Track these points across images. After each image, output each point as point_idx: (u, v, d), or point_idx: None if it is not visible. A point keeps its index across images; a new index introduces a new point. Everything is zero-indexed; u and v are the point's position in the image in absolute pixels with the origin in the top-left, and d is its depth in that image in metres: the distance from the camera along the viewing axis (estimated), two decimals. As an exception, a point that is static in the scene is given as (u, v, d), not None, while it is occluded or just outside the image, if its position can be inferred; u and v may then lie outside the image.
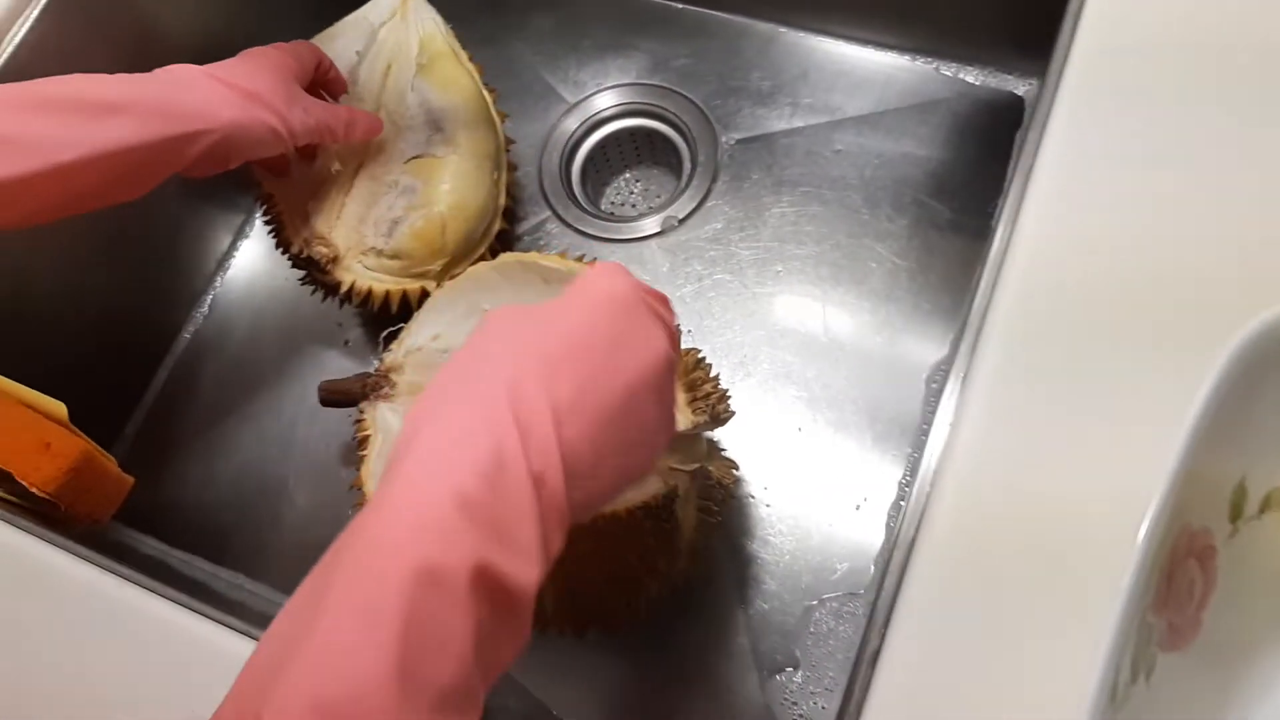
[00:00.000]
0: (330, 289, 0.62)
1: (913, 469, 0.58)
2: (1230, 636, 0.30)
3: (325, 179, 0.62)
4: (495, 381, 0.29)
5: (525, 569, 0.28)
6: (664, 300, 0.36)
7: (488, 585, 0.27)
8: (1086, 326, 0.37)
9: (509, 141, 0.67)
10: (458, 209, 0.61)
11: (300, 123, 0.53)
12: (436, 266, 0.61)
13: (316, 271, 0.61)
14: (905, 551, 0.35)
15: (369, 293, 0.61)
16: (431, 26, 0.65)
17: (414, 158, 0.62)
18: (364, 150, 0.62)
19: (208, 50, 0.66)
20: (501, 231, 0.65)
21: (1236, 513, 0.30)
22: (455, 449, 0.28)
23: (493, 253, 0.63)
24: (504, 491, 0.28)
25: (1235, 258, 0.36)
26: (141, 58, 0.62)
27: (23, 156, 0.42)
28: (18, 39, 0.55)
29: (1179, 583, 0.28)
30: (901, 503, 0.57)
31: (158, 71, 0.49)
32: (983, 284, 0.39)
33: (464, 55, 0.65)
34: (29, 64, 0.56)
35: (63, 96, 0.44)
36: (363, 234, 0.61)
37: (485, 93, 0.64)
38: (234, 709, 0.26)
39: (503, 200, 0.64)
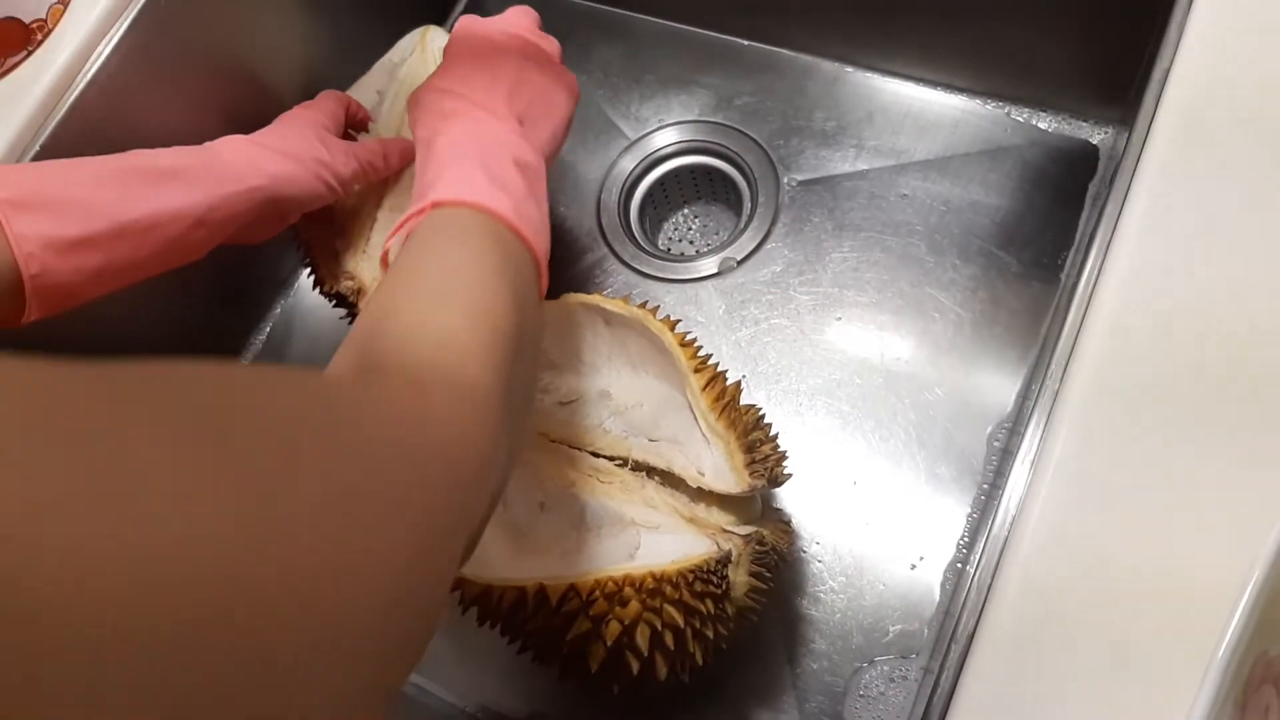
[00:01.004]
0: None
1: (973, 530, 0.56)
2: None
3: (351, 216, 0.63)
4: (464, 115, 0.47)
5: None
6: (497, 20, 0.54)
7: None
8: (1174, 395, 0.35)
9: None
10: None
11: (344, 165, 0.56)
12: None
13: (350, 307, 0.62)
14: (973, 621, 0.34)
15: None
16: None
17: None
18: (384, 183, 0.63)
19: (281, 89, 0.68)
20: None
21: (1325, 638, 0.28)
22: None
23: None
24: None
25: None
26: (213, 93, 0.64)
27: (90, 217, 0.45)
28: (88, 77, 0.57)
29: (1253, 711, 0.27)
30: (959, 565, 0.55)
31: (207, 144, 0.53)
32: (1061, 342, 0.38)
33: None
34: (102, 98, 0.57)
35: (126, 166, 0.48)
36: None
37: None
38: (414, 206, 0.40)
39: None
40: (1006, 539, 0.35)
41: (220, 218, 0.50)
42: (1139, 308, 0.37)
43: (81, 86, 0.56)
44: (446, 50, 0.53)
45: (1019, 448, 0.36)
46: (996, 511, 0.35)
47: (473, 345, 0.32)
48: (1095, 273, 0.38)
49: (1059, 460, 0.35)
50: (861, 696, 0.54)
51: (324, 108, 0.60)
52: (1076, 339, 0.37)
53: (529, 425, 0.41)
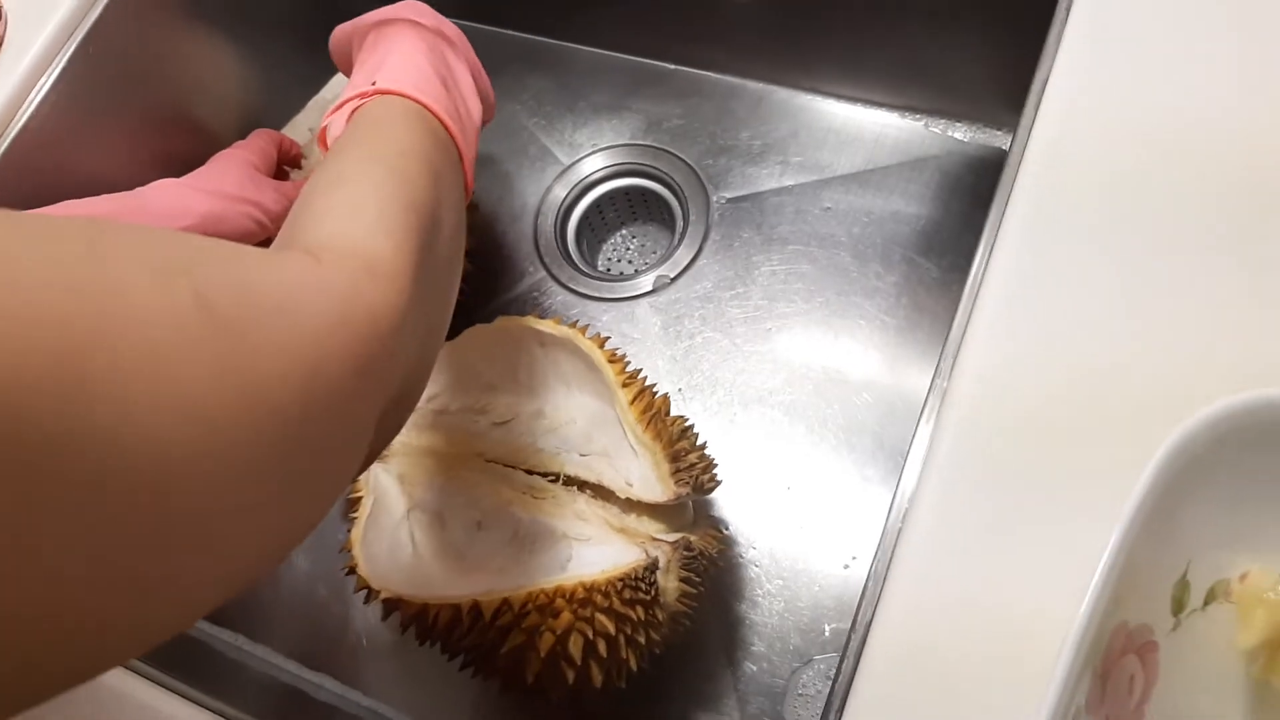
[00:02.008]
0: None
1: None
2: (1177, 729, 0.30)
3: None
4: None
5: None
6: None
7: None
8: (1050, 387, 0.38)
9: (470, 205, 0.68)
10: None
11: (274, 203, 0.57)
12: None
13: None
14: (870, 611, 0.36)
15: None
16: None
17: None
18: None
19: (216, 129, 0.69)
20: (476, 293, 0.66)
21: (1179, 606, 0.30)
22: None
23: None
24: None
25: (1181, 355, 0.36)
26: (147, 136, 0.65)
27: None
28: (20, 125, 0.58)
29: (1117, 680, 0.28)
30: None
31: (139, 190, 0.54)
32: (947, 344, 0.40)
33: None
34: (36, 143, 0.59)
35: (59, 216, 0.48)
36: None
37: None
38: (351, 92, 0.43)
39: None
40: (900, 531, 0.36)
41: None
42: (1020, 306, 0.39)
43: (13, 134, 0.57)
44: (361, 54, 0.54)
45: (911, 445, 0.38)
46: (891, 506, 0.37)
47: (382, 222, 0.34)
48: (980, 275, 0.40)
49: (947, 454, 0.37)
50: (800, 695, 0.55)
51: (254, 147, 0.61)
52: (962, 340, 0.39)
53: (449, 310, 0.42)
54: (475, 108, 0.49)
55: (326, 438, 0.27)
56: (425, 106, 0.43)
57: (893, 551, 0.36)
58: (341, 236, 0.32)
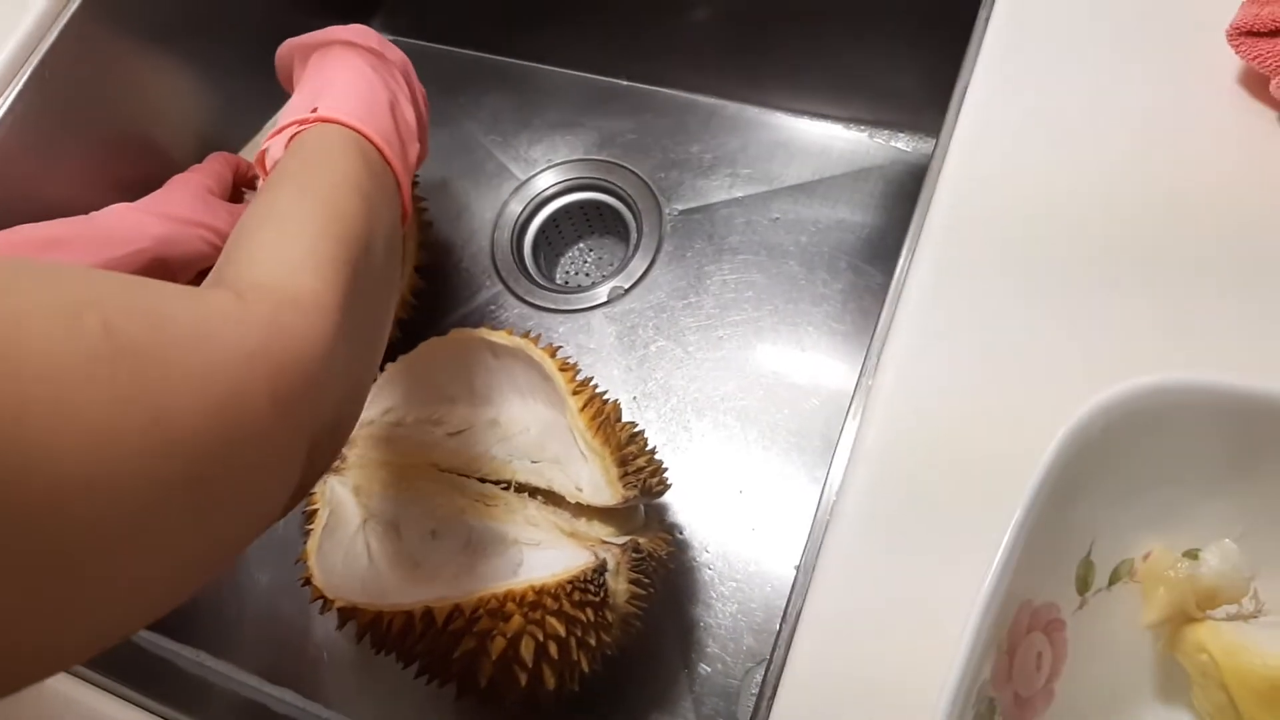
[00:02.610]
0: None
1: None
2: (1086, 706, 0.31)
3: None
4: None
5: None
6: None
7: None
8: (971, 370, 0.39)
9: (420, 207, 0.69)
10: None
11: (228, 225, 0.58)
12: None
13: None
14: (800, 601, 0.37)
15: None
16: None
17: None
18: None
19: (174, 153, 0.70)
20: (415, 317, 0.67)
21: (1084, 586, 0.32)
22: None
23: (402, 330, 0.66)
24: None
25: (1076, 352, 0.38)
26: (104, 160, 0.66)
27: None
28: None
29: (1024, 656, 0.30)
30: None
31: (93, 214, 0.55)
32: (873, 340, 0.41)
33: None
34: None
35: (14, 240, 0.50)
36: None
37: None
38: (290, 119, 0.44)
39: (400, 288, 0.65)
40: (827, 524, 0.38)
41: None
42: (937, 307, 0.41)
43: (-33, 159, 0.58)
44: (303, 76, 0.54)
45: (839, 439, 0.39)
46: (820, 500, 0.38)
47: (311, 257, 0.34)
48: (904, 274, 0.42)
49: (870, 444, 0.38)
50: (753, 694, 0.56)
51: (209, 170, 0.62)
52: (886, 339, 0.41)
53: (383, 338, 0.42)
54: (413, 133, 0.50)
55: (246, 467, 0.28)
56: (363, 135, 0.44)
57: (821, 542, 0.37)
58: (268, 274, 0.33)
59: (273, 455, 0.29)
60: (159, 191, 0.59)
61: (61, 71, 0.62)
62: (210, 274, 0.36)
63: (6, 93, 0.60)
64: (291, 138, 0.44)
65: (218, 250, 0.58)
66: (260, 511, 0.30)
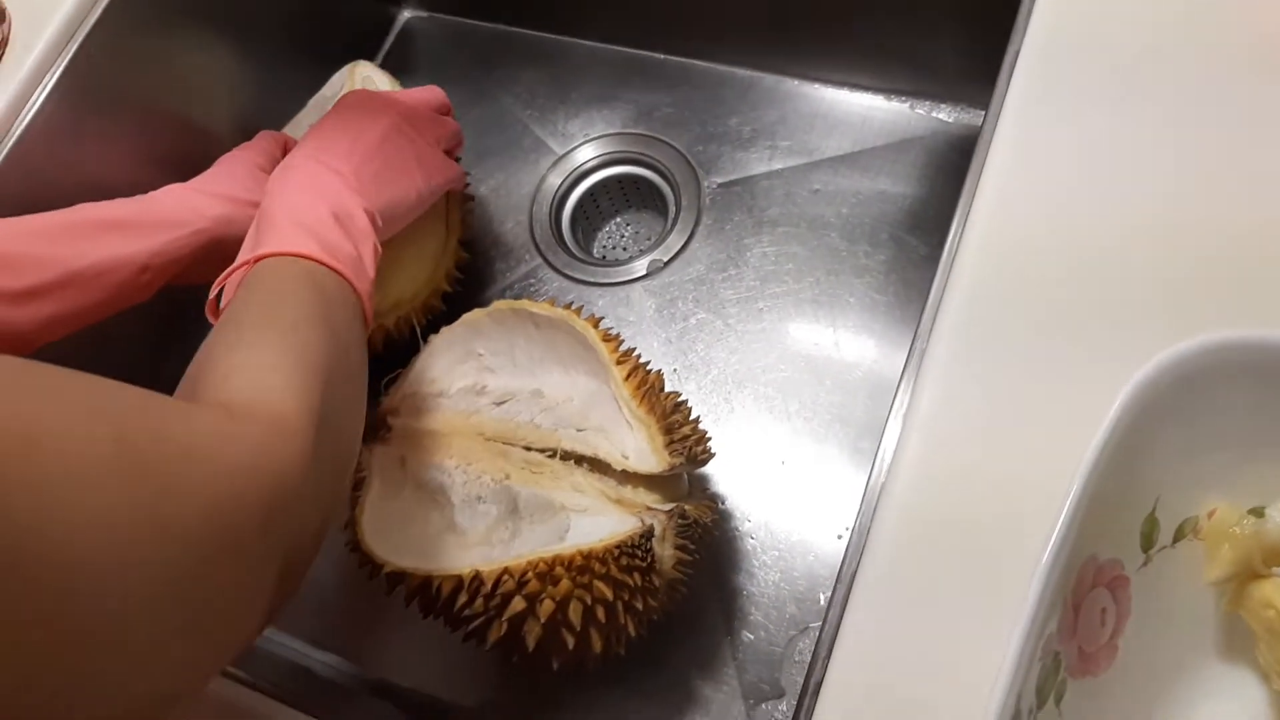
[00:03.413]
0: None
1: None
2: (1149, 662, 0.31)
3: None
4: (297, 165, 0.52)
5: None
6: (389, 94, 0.61)
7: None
8: (1025, 340, 0.39)
9: (467, 197, 0.69)
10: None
11: None
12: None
13: None
14: (855, 562, 0.37)
15: None
16: (374, 85, 0.69)
17: None
18: None
19: (219, 131, 0.71)
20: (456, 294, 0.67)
21: (1148, 543, 0.31)
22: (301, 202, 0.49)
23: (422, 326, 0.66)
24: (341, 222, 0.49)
25: (1143, 303, 0.38)
26: (148, 137, 0.66)
27: (40, 269, 0.48)
28: (23, 126, 0.59)
29: (1088, 611, 0.30)
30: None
31: (152, 194, 0.56)
32: (926, 308, 0.41)
33: None
34: (38, 145, 0.60)
35: (74, 220, 0.51)
36: None
37: None
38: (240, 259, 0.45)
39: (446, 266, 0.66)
40: (883, 485, 0.38)
41: (163, 262, 0.53)
42: (992, 271, 0.41)
43: (17, 135, 0.59)
44: (325, 114, 0.57)
45: (893, 404, 0.39)
46: (874, 463, 0.38)
47: (288, 385, 0.36)
48: (956, 242, 0.42)
49: (925, 410, 0.38)
50: (797, 662, 0.57)
51: (260, 148, 0.62)
52: (940, 303, 0.40)
53: (351, 469, 0.44)
54: (368, 233, 0.50)
55: (229, 583, 0.29)
56: (309, 258, 0.45)
57: (875, 507, 0.37)
58: (249, 395, 0.35)
59: (251, 573, 0.31)
60: (210, 171, 0.60)
61: (106, 49, 0.62)
62: (183, 384, 0.37)
63: (49, 75, 0.60)
64: (241, 280, 0.45)
65: None
66: (235, 632, 0.31)
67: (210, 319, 0.46)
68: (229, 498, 0.29)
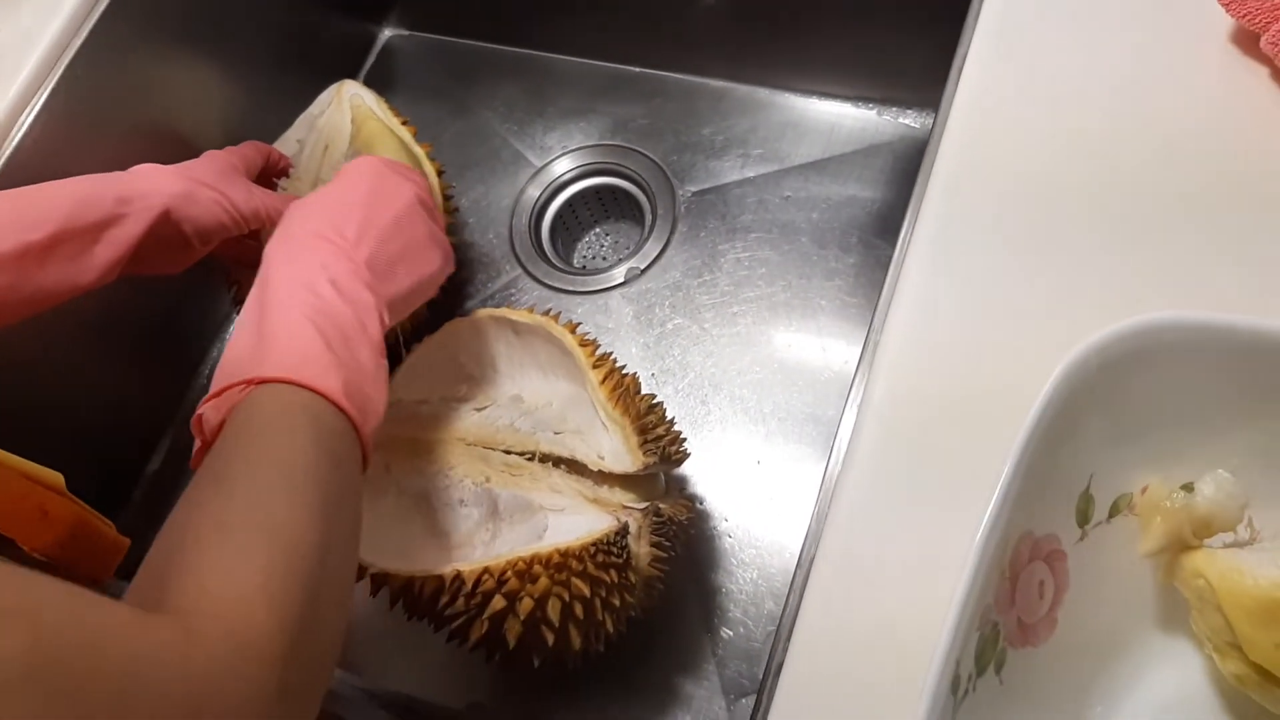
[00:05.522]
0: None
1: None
2: (1089, 633, 0.33)
3: None
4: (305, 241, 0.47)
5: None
6: (406, 167, 0.57)
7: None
8: (974, 333, 0.41)
9: (447, 194, 0.70)
10: None
11: (244, 202, 0.58)
12: None
13: None
14: (814, 547, 0.39)
15: None
16: (362, 103, 0.70)
17: None
18: None
19: (206, 145, 0.72)
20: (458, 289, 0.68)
21: (1084, 519, 0.33)
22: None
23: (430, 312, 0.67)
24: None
25: (1072, 302, 0.39)
26: (138, 154, 0.68)
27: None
28: (14, 144, 0.61)
29: (1026, 583, 0.31)
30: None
31: (126, 170, 0.56)
32: (879, 306, 0.43)
33: (396, 121, 0.70)
34: (30, 161, 0.62)
35: (41, 192, 0.51)
36: None
37: (417, 147, 0.69)
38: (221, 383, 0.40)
39: None
40: (838, 474, 0.39)
41: (121, 234, 0.52)
42: (939, 272, 0.42)
43: (4, 157, 0.60)
44: (337, 177, 0.53)
45: (848, 396, 0.41)
46: (830, 452, 0.40)
47: (266, 589, 0.31)
48: (908, 236, 0.43)
49: (877, 402, 0.40)
50: (775, 656, 0.58)
51: (240, 152, 0.63)
52: (891, 300, 0.42)
53: (334, 661, 0.36)
54: (368, 342, 0.44)
55: None
56: (317, 392, 0.39)
57: (833, 492, 0.39)
58: (219, 600, 0.30)
59: None
60: (192, 160, 0.60)
61: (94, 67, 0.64)
62: (152, 569, 0.33)
63: (40, 91, 0.62)
64: (233, 404, 0.39)
65: (231, 217, 0.58)
66: None
67: (197, 437, 0.41)
68: None
